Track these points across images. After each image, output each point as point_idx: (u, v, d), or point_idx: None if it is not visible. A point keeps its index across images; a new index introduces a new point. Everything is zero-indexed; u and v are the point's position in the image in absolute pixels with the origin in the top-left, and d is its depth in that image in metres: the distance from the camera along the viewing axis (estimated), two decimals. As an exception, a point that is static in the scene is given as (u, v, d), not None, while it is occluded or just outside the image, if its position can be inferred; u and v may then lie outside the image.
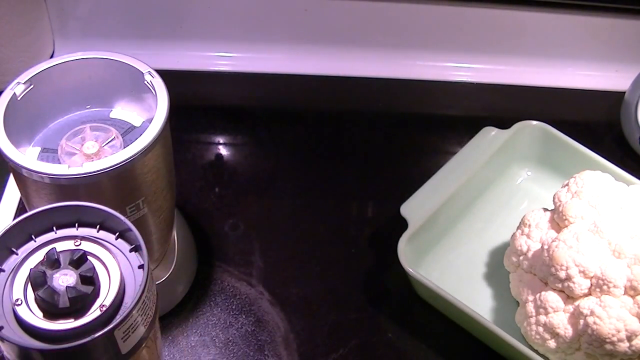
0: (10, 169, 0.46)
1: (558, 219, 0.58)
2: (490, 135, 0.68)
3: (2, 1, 0.70)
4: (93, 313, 0.36)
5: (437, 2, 0.79)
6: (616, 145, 0.77)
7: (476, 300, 0.61)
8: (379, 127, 0.78)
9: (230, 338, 0.60)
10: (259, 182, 0.72)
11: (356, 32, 0.82)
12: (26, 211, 0.39)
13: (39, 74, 0.49)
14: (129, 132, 0.51)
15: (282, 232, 0.67)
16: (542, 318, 0.55)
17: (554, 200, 0.60)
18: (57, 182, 0.44)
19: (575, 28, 0.81)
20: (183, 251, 0.61)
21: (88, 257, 0.37)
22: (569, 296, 0.54)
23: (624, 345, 0.52)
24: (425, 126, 0.79)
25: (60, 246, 0.38)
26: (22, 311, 0.36)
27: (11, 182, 0.68)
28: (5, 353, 0.37)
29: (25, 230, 0.39)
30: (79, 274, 0.36)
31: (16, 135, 0.47)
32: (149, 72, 0.50)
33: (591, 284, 0.53)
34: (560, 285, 0.54)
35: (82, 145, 0.48)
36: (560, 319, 0.54)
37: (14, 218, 0.48)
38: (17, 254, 0.38)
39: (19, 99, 0.48)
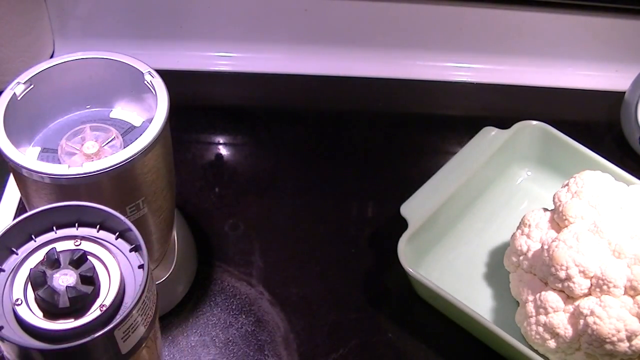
0: (10, 169, 0.46)
1: (558, 219, 0.58)
2: (490, 135, 0.68)
3: (2, 1, 0.70)
4: (93, 313, 0.36)
5: (437, 2, 0.79)
6: (616, 145, 0.77)
7: (476, 300, 0.61)
8: (379, 127, 0.78)
9: (230, 338, 0.60)
10: (259, 182, 0.72)
11: (356, 32, 0.82)
12: (26, 211, 0.39)
13: (39, 74, 0.49)
14: (129, 132, 0.51)
15: (282, 232, 0.67)
16: (542, 318, 0.55)
17: (554, 200, 0.60)
18: (57, 182, 0.44)
19: (575, 28, 0.81)
20: (183, 251, 0.61)
21: (88, 257, 0.37)
22: (569, 296, 0.54)
23: (624, 345, 0.52)
24: (425, 126, 0.79)
25: (60, 246, 0.38)
26: (22, 311, 0.36)
27: (11, 182, 0.68)
28: (5, 353, 0.37)
29: (25, 230, 0.39)
30: (79, 274, 0.36)
31: (16, 135, 0.47)
32: (149, 72, 0.50)
33: (591, 284, 0.53)
34: (560, 285, 0.54)
35: (82, 145, 0.48)
36: (560, 319, 0.54)
37: (14, 218, 0.48)
38: (17, 254, 0.38)
39: (19, 99, 0.48)
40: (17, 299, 0.36)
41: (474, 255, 0.65)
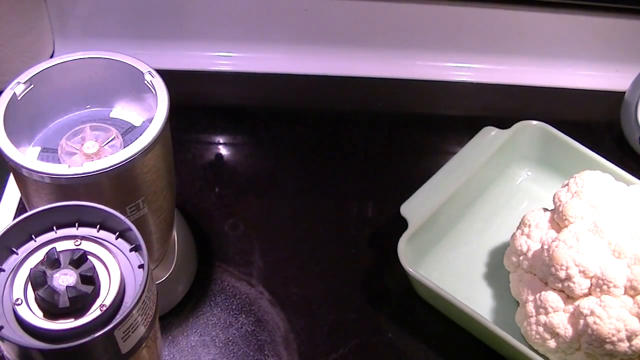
0: (10, 169, 0.46)
1: (558, 219, 0.58)
2: (490, 135, 0.68)
3: (2, 1, 0.70)
4: (93, 313, 0.36)
5: (437, 2, 0.79)
6: (616, 145, 0.77)
7: (476, 300, 0.61)
8: (379, 127, 0.78)
9: (230, 338, 0.60)
10: (259, 182, 0.72)
11: (356, 32, 0.82)
12: (26, 211, 0.39)
13: (39, 74, 0.49)
14: (129, 132, 0.51)
15: (282, 232, 0.67)
16: (542, 318, 0.55)
17: (554, 200, 0.60)
18: (57, 182, 0.44)
19: (575, 28, 0.81)
20: (183, 251, 0.61)
21: (88, 256, 0.37)
22: (569, 296, 0.54)
23: (624, 345, 0.52)
24: (425, 126, 0.79)
25: (60, 246, 0.38)
26: (22, 311, 0.36)
27: (11, 182, 0.68)
28: (5, 353, 0.37)
29: (25, 230, 0.39)
30: (79, 274, 0.36)
31: (16, 135, 0.47)
32: (149, 72, 0.50)
33: (591, 284, 0.53)
34: (560, 285, 0.54)
35: (82, 145, 0.48)
36: (560, 319, 0.54)
37: (14, 218, 0.48)
38: (17, 254, 0.38)
39: (19, 99, 0.48)
40: (17, 299, 0.36)
41: (474, 255, 0.65)
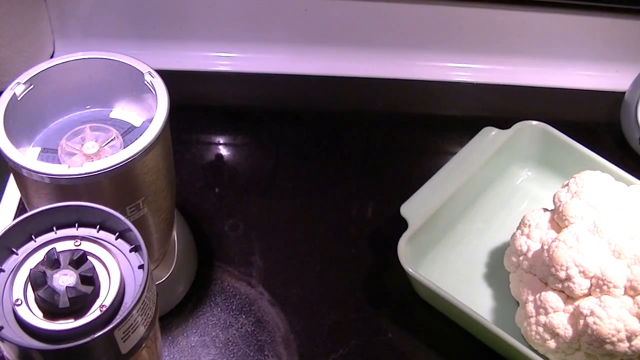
0: (10, 169, 0.46)
1: (558, 219, 0.58)
2: (490, 136, 0.68)
3: (2, 1, 0.70)
4: (93, 313, 0.36)
5: (437, 2, 0.79)
6: (616, 145, 0.77)
7: (476, 300, 0.61)
8: (379, 127, 0.78)
9: (230, 338, 0.60)
10: (259, 182, 0.72)
11: (356, 32, 0.82)
12: (26, 211, 0.39)
13: (39, 74, 0.49)
14: (129, 132, 0.51)
15: (282, 232, 0.67)
16: (542, 318, 0.55)
17: (554, 200, 0.60)
18: (57, 182, 0.44)
19: (575, 28, 0.81)
20: (183, 251, 0.61)
21: (88, 257, 0.37)
22: (569, 296, 0.54)
23: (624, 345, 0.52)
24: (425, 126, 0.79)
25: (60, 246, 0.38)
26: (22, 311, 0.36)
27: (11, 182, 0.68)
28: (5, 353, 0.37)
29: (25, 230, 0.39)
30: (79, 274, 0.36)
31: (16, 135, 0.47)
32: (149, 72, 0.50)
33: (591, 284, 0.53)
34: (560, 286, 0.54)
35: (82, 145, 0.48)
36: (560, 319, 0.54)
37: (14, 218, 0.48)
38: (17, 254, 0.38)
39: (19, 99, 0.48)
40: (17, 299, 0.36)
41: (474, 255, 0.65)
